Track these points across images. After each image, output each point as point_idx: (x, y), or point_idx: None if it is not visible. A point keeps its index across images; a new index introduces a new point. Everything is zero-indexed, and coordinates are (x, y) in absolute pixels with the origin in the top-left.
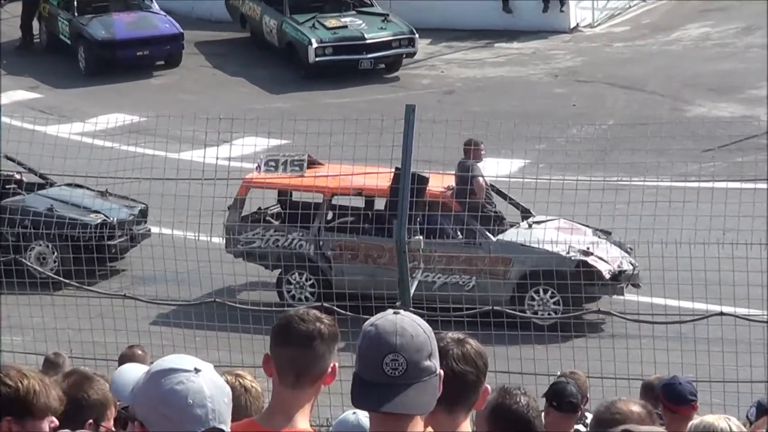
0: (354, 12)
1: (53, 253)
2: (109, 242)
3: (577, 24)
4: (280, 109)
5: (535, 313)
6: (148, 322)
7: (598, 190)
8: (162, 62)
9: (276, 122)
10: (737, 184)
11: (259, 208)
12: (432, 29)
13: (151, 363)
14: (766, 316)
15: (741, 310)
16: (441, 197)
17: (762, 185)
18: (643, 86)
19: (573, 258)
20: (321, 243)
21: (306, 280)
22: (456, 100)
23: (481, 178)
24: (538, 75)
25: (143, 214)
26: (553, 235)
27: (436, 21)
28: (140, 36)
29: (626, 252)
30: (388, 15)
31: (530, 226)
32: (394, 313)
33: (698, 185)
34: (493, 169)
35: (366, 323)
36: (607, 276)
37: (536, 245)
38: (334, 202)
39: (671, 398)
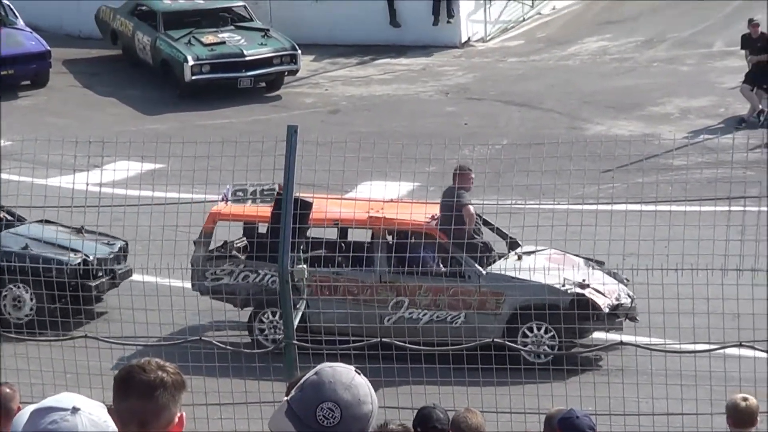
0: (232, 27)
1: (32, 299)
2: (90, 282)
3: (469, 38)
4: (155, 131)
5: (533, 354)
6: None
7: (491, 214)
8: (28, 82)
9: (150, 145)
10: (637, 206)
11: (225, 242)
12: (315, 45)
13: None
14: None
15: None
16: (424, 227)
17: (663, 207)
18: (539, 103)
19: (569, 291)
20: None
21: (279, 318)
22: (341, 119)
23: (471, 207)
24: (427, 92)
25: (123, 251)
26: (546, 266)
27: (320, 36)
28: (4, 54)
29: (623, 283)
30: (268, 30)
31: (520, 257)
32: (356, 371)
33: (596, 207)
34: (380, 192)
35: (325, 363)
36: (606, 310)
37: (528, 278)
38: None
39: None
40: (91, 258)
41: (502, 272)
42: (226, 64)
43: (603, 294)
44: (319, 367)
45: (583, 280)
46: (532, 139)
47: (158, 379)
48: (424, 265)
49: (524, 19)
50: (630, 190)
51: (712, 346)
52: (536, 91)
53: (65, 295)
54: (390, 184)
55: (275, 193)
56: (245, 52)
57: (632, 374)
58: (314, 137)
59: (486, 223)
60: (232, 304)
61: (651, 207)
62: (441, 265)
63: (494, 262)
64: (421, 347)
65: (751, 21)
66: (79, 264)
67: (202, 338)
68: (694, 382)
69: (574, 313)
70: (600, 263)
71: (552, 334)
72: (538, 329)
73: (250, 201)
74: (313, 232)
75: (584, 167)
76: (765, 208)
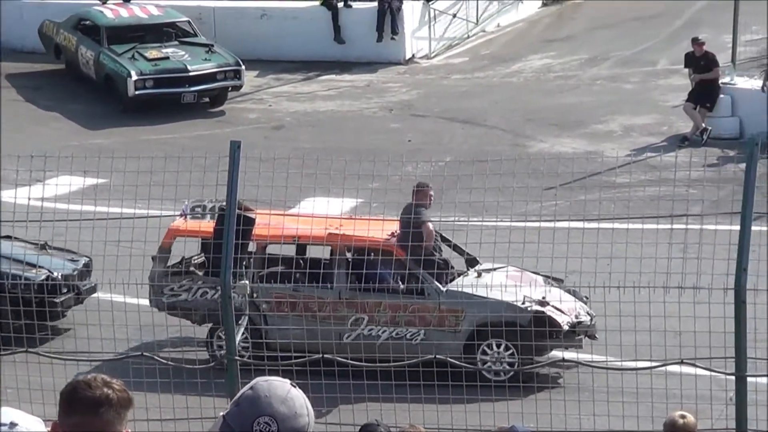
0: (176, 42)
1: None
2: (55, 299)
3: (413, 55)
4: (98, 145)
5: (490, 370)
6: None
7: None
8: None
9: (93, 160)
10: (580, 224)
11: (183, 258)
12: (259, 60)
13: None
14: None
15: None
16: (382, 245)
17: (606, 225)
18: (483, 121)
19: (528, 309)
20: (255, 295)
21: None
22: (285, 135)
23: (430, 224)
24: (371, 109)
25: (87, 267)
26: (505, 283)
27: (264, 52)
28: None
29: (582, 301)
30: (212, 45)
31: (479, 274)
32: (292, 384)
33: (539, 225)
34: (323, 208)
35: (261, 377)
36: (566, 328)
37: (487, 295)
38: (268, 250)
39: None
40: (56, 274)
41: (462, 289)
42: (170, 79)
43: (563, 311)
44: (254, 381)
45: (543, 298)
46: (476, 156)
47: (103, 395)
48: (384, 282)
49: (468, 36)
50: (573, 207)
51: (654, 364)
52: (480, 108)
53: (30, 312)
54: (333, 201)
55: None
56: (189, 68)
57: (574, 391)
58: (257, 153)
59: (444, 240)
60: (190, 321)
61: (594, 224)
62: (400, 282)
63: (453, 279)
64: (363, 363)
65: (695, 40)
66: (43, 280)
67: (144, 354)
68: (636, 399)
69: (534, 330)
70: (559, 281)
71: (511, 351)
72: (498, 346)
73: (209, 217)
74: (271, 249)
75: (527, 184)
76: (707, 226)
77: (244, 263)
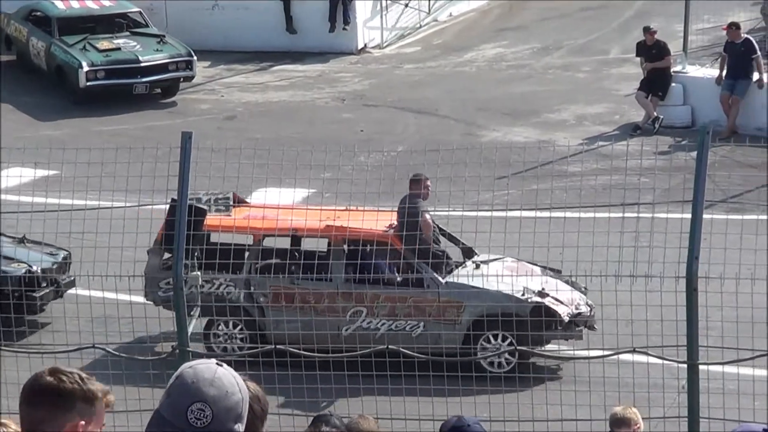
0: (128, 33)
1: None
2: (34, 293)
3: (365, 45)
4: (49, 137)
5: (491, 363)
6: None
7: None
8: None
9: (44, 152)
10: (532, 213)
11: None
12: (211, 51)
13: None
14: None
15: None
16: (381, 236)
17: (558, 214)
18: (435, 110)
19: (529, 300)
20: (252, 288)
21: (234, 327)
22: (237, 126)
23: (428, 216)
24: (324, 99)
25: (66, 260)
26: (503, 274)
27: (216, 42)
28: None
29: (581, 292)
30: (164, 36)
31: (477, 266)
32: (217, 363)
33: (491, 214)
34: (274, 198)
35: (186, 363)
36: (566, 319)
37: (488, 287)
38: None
39: None
40: (35, 268)
41: (461, 281)
42: (122, 70)
43: (562, 302)
44: (179, 370)
45: (543, 289)
46: (428, 145)
47: (58, 386)
48: (382, 274)
49: (421, 26)
50: (525, 196)
51: (607, 352)
52: (432, 97)
53: (5, 308)
54: (285, 191)
55: (230, 201)
56: (141, 58)
57: (527, 380)
58: (209, 144)
59: (442, 231)
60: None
61: (545, 213)
62: (398, 274)
63: (452, 270)
64: (315, 354)
65: (647, 29)
66: (23, 274)
67: (96, 346)
68: (588, 388)
69: (535, 321)
70: (557, 271)
71: (509, 341)
72: (495, 338)
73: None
74: (267, 242)
75: (479, 174)
76: (659, 215)
77: (196, 254)
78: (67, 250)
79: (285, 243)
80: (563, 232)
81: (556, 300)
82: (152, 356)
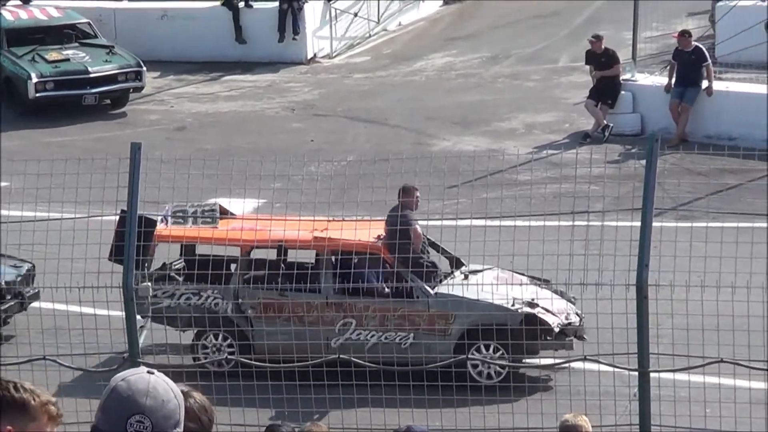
0: (77, 44)
1: None
2: None
3: (315, 54)
4: None
5: (480, 373)
6: None
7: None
8: None
9: None
10: (482, 222)
11: (164, 264)
12: (161, 62)
13: None
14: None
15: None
16: (370, 247)
17: (508, 222)
18: (385, 120)
19: (519, 310)
20: (240, 300)
21: (223, 340)
22: (187, 136)
23: (418, 227)
24: (274, 109)
25: (30, 272)
26: (493, 285)
27: (165, 53)
28: None
29: (570, 302)
30: (113, 47)
31: (466, 276)
32: (149, 372)
33: (441, 223)
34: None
35: (117, 376)
36: (557, 330)
37: (477, 298)
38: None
39: None
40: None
41: (451, 291)
42: (71, 81)
43: (553, 313)
44: (112, 383)
45: (533, 299)
46: (378, 155)
47: None
48: (370, 286)
49: (370, 36)
50: (475, 205)
51: (558, 360)
52: (382, 107)
53: None
54: (235, 201)
55: (216, 213)
56: (90, 69)
57: (478, 389)
58: (159, 154)
59: (431, 243)
60: (173, 327)
61: (496, 222)
62: (386, 286)
63: (441, 281)
64: (277, 365)
65: (595, 37)
66: None
67: (46, 357)
68: (540, 397)
69: (525, 331)
70: (546, 282)
71: (501, 352)
72: (486, 348)
73: (190, 222)
74: (257, 254)
75: (429, 183)
76: (609, 223)
77: (146, 265)
78: (31, 263)
79: (272, 255)
80: (513, 241)
81: (546, 310)
82: (102, 368)
